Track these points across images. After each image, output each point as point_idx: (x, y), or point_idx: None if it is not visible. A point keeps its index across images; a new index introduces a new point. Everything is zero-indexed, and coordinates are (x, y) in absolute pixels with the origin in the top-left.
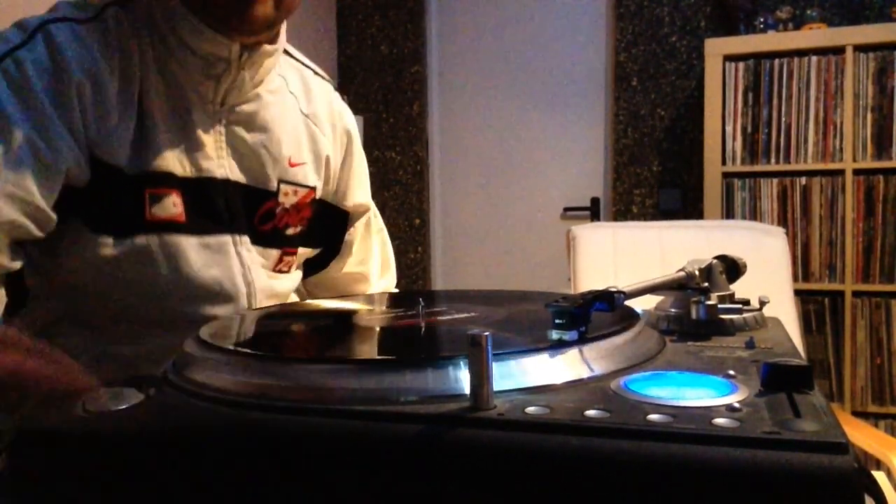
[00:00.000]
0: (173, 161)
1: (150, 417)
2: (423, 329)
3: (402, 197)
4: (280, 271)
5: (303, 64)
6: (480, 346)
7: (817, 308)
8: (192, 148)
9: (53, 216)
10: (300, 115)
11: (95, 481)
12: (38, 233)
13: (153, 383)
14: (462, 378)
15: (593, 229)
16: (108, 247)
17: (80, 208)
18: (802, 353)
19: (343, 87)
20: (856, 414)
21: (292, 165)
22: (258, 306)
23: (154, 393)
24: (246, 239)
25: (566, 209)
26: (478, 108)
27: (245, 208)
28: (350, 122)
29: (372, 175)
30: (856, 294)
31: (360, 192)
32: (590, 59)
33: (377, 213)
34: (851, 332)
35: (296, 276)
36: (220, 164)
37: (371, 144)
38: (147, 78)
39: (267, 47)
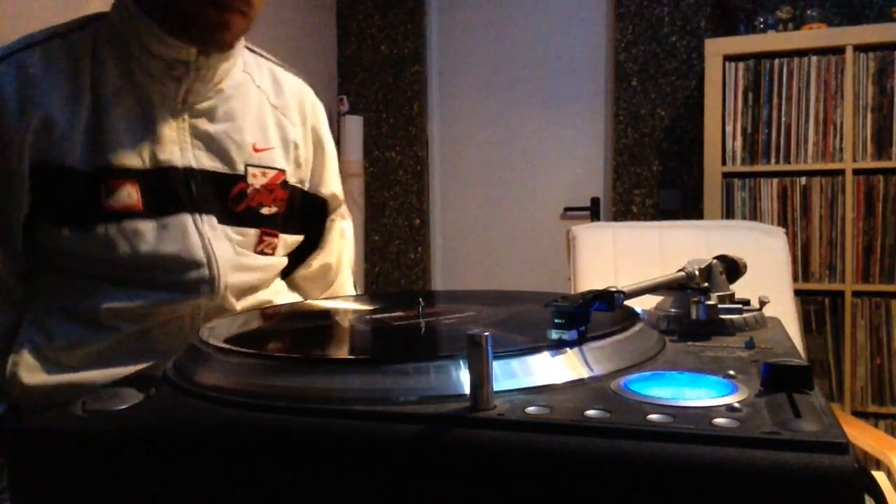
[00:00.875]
0: (131, 155)
1: (150, 417)
2: (423, 329)
3: (402, 197)
4: (263, 253)
5: (271, 61)
6: (480, 346)
7: (817, 308)
8: (153, 142)
9: None
10: (268, 106)
11: (95, 481)
12: None
13: (153, 383)
14: (462, 378)
15: (593, 229)
16: (71, 237)
17: (42, 211)
18: (802, 353)
19: (343, 87)
20: (856, 414)
21: (257, 151)
22: (224, 277)
23: (154, 393)
24: (211, 218)
25: (566, 209)
26: (478, 108)
27: (217, 192)
28: (322, 118)
29: (372, 175)
30: (856, 294)
31: (333, 182)
32: (590, 59)
33: (348, 211)
34: (851, 332)
35: (279, 260)
36: (184, 154)
37: (371, 144)
38: (106, 84)
39: (222, 53)
